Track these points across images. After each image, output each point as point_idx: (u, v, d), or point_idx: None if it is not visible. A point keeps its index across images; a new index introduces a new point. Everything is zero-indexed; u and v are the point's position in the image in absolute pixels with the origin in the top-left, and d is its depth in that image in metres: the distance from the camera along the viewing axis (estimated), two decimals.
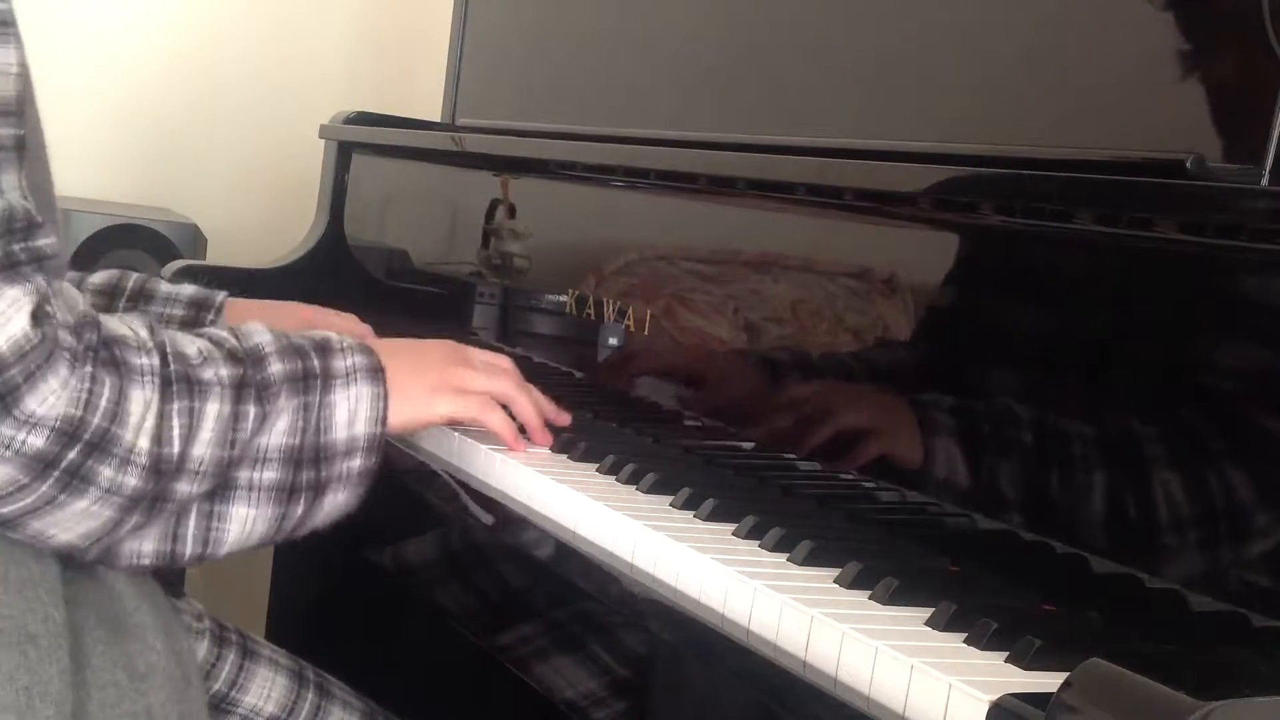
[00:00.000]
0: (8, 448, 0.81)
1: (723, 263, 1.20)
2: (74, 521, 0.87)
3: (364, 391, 0.98)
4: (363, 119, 1.85)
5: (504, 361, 1.16)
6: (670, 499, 1.03)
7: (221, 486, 0.93)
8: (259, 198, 2.28)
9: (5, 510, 0.84)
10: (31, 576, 0.92)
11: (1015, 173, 0.94)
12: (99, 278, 1.24)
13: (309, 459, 0.96)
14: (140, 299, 1.24)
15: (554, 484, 1.05)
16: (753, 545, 0.94)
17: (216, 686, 1.14)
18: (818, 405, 1.09)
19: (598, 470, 1.11)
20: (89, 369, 0.84)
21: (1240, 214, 0.80)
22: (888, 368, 1.03)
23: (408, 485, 1.20)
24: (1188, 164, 0.85)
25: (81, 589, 0.95)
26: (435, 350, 1.12)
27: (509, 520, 1.07)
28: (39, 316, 0.81)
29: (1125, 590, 0.84)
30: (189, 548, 0.93)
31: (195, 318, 1.26)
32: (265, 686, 1.15)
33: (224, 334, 0.96)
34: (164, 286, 1.26)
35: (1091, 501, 0.87)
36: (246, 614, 1.88)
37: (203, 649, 1.14)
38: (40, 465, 0.83)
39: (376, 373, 0.99)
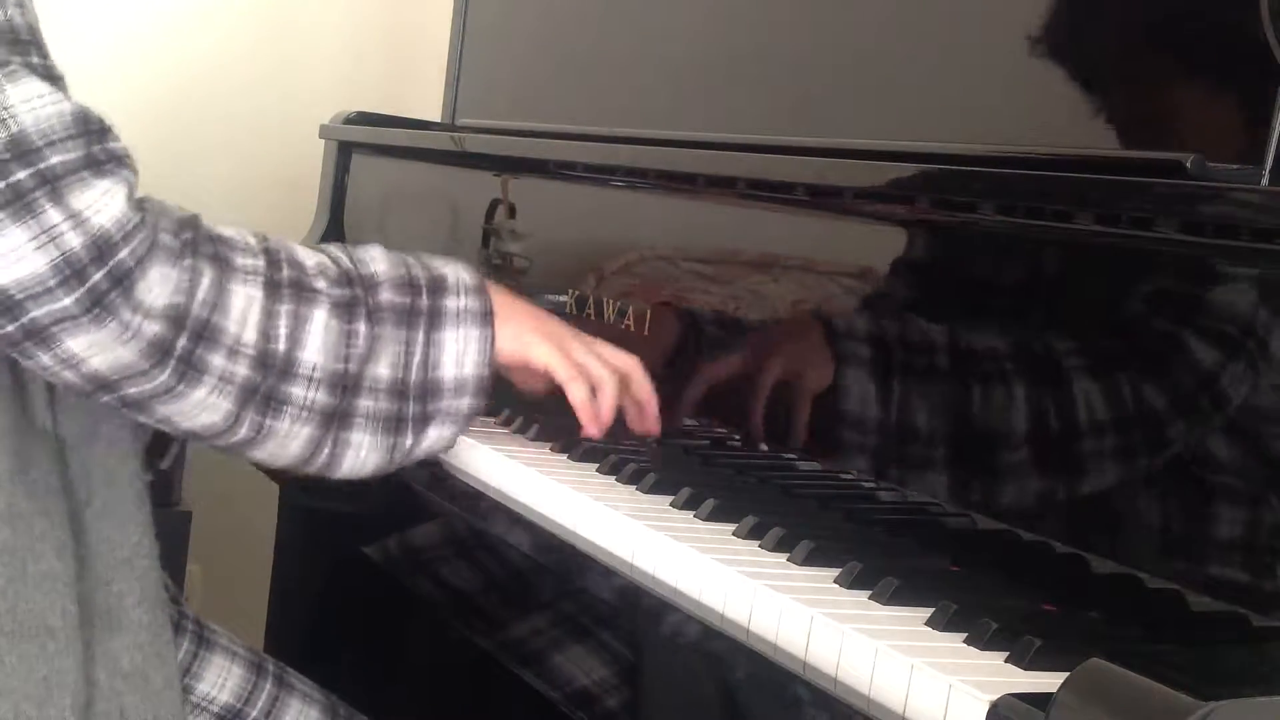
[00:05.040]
0: (127, 330, 0.86)
1: (723, 263, 1.20)
2: (196, 410, 0.92)
3: (472, 334, 1.01)
4: (363, 119, 1.85)
5: (620, 356, 1.13)
6: (670, 499, 1.03)
7: (342, 414, 0.97)
8: (259, 198, 2.28)
9: (133, 391, 0.90)
10: (51, 571, 0.95)
11: (1015, 173, 0.94)
12: None
13: (415, 394, 0.99)
14: None
15: (554, 484, 1.05)
16: (753, 545, 0.94)
17: None
18: (817, 405, 1.09)
19: (598, 470, 1.11)
20: (189, 261, 0.89)
21: (1240, 214, 0.80)
22: (888, 368, 1.03)
23: (408, 484, 1.20)
24: (1188, 164, 0.85)
25: (86, 585, 0.96)
26: (550, 316, 1.13)
27: (509, 520, 1.07)
28: (135, 201, 0.87)
29: (1125, 590, 0.84)
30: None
31: None
32: (220, 675, 1.15)
33: (342, 254, 1.00)
34: None
35: (1091, 501, 0.87)
36: (247, 616, 1.88)
37: None
38: (159, 352, 0.88)
39: (486, 316, 1.02)
